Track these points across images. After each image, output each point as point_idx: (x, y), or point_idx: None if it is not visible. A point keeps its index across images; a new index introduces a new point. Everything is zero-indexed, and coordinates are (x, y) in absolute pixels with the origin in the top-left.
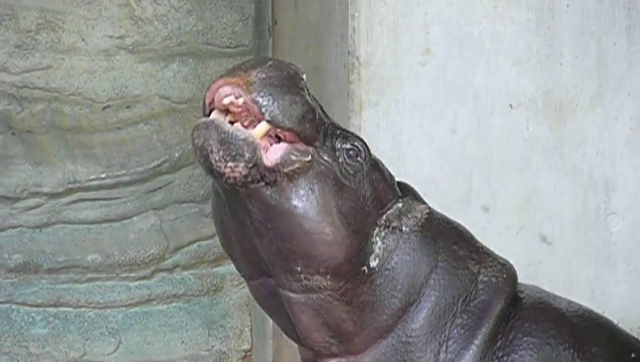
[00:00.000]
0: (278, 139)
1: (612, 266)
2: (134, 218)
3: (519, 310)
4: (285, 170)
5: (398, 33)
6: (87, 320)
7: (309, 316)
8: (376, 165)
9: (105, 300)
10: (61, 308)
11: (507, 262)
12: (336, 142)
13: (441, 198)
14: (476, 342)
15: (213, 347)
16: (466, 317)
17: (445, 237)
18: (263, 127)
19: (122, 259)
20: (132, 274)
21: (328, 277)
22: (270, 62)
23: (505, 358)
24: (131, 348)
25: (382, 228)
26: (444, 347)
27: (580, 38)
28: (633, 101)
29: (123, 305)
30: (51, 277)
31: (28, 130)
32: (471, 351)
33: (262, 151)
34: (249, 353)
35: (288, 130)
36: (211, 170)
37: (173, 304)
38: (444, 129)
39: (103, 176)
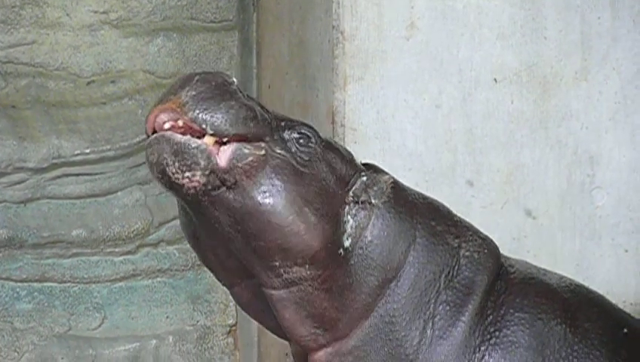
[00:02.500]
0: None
1: (597, 240)
2: (119, 193)
3: (510, 285)
4: (241, 165)
5: (383, 7)
6: (71, 295)
7: (292, 311)
8: (329, 145)
9: (89, 275)
10: (46, 283)
11: (487, 236)
12: (284, 134)
13: (426, 173)
14: (463, 318)
15: (197, 322)
16: (450, 293)
17: (422, 213)
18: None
19: (107, 234)
20: (117, 249)
21: (307, 266)
22: (197, 78)
23: (497, 333)
24: (116, 322)
25: (351, 206)
26: (430, 324)
27: (564, 12)
28: (618, 75)
29: (108, 280)
30: (36, 253)
31: (12, 105)
32: (459, 328)
33: (216, 156)
34: (234, 328)
35: (234, 135)
36: (170, 184)
37: (158, 279)
38: (429, 103)
39: (88, 151)
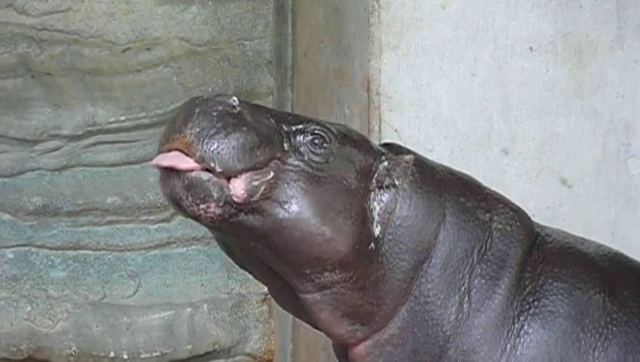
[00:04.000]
0: None
1: (632, 209)
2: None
3: (548, 255)
4: (255, 198)
5: None
6: (106, 263)
7: (327, 312)
8: (344, 139)
9: (124, 243)
10: (80, 251)
11: (519, 208)
12: (297, 139)
13: (461, 141)
14: (499, 290)
15: (232, 290)
16: (485, 266)
17: (450, 190)
18: None
19: (142, 201)
20: (152, 217)
21: (337, 271)
22: (197, 110)
23: (535, 303)
24: (150, 290)
25: (376, 192)
26: (466, 298)
27: None
28: None
29: (142, 248)
30: (70, 220)
31: (47, 72)
32: (496, 300)
33: (228, 188)
34: (268, 296)
35: (242, 170)
36: (187, 215)
37: (193, 247)
38: (464, 72)
39: (123, 118)
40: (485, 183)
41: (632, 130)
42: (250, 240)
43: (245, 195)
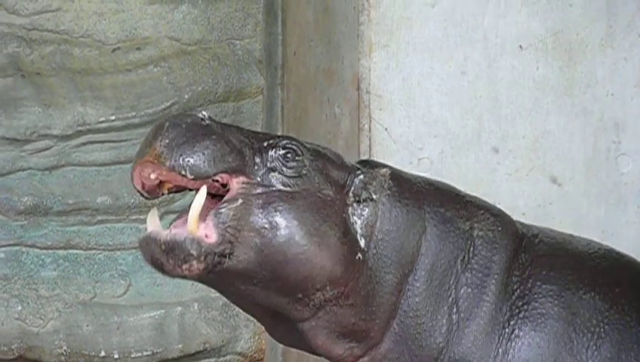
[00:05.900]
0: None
1: (622, 207)
2: None
3: (535, 258)
4: (230, 224)
5: None
6: (97, 263)
7: (324, 336)
8: (316, 153)
9: (115, 242)
10: (71, 251)
11: (501, 211)
12: (269, 154)
13: (451, 140)
14: (487, 297)
15: None
16: (469, 275)
17: (429, 201)
18: (196, 206)
19: (132, 201)
20: (142, 216)
21: (328, 288)
22: (167, 124)
23: (525, 307)
24: (141, 290)
25: (354, 206)
26: (455, 309)
27: None
28: None
29: (133, 247)
30: (61, 220)
31: (37, 72)
32: (484, 308)
33: (205, 239)
34: None
35: (214, 175)
36: (172, 276)
37: None
38: (454, 70)
39: (113, 118)
40: (475, 182)
41: (622, 128)
42: (239, 284)
43: (220, 227)
